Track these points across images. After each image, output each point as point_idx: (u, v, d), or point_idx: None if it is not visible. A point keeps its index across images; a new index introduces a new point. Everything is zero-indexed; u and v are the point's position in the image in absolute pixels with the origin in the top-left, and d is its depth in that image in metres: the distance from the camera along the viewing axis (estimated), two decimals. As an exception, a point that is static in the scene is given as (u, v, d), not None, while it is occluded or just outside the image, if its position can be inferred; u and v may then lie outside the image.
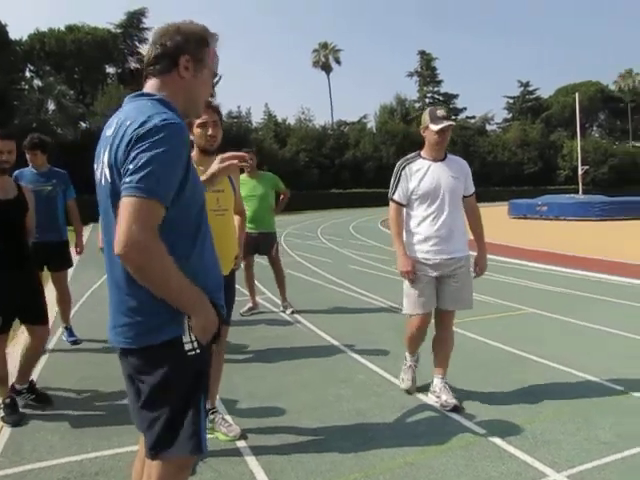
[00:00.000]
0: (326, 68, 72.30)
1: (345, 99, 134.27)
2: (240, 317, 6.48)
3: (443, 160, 3.76)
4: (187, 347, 1.72)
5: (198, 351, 1.74)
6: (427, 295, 3.71)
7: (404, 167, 3.75)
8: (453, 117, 72.78)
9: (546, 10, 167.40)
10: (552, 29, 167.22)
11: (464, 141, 60.27)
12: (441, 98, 76.11)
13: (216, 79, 1.91)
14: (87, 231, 21.34)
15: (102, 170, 1.72)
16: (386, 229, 22.08)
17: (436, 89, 77.76)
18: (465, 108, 78.18)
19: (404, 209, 3.79)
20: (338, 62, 72.88)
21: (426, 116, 3.71)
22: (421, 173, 3.69)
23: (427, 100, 75.45)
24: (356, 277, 9.54)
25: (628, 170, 66.02)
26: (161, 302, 1.66)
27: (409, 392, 3.92)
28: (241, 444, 3.23)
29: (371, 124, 65.25)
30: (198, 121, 3.08)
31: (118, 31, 49.66)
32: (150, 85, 1.82)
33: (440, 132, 3.63)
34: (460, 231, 3.77)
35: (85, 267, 9.91)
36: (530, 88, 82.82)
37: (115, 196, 1.63)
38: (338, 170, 53.59)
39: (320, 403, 3.84)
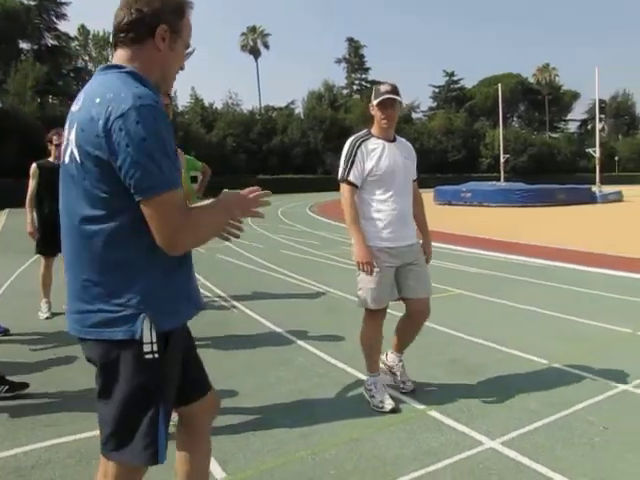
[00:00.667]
0: (254, 52, 71.48)
1: (273, 84, 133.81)
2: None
3: (394, 141, 3.55)
4: (146, 349, 1.58)
5: (157, 356, 1.59)
6: (386, 288, 3.46)
7: (359, 145, 3.43)
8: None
9: (474, 2, 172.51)
10: (476, 22, 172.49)
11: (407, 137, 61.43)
12: (369, 85, 76.98)
13: (189, 51, 1.75)
14: (2, 217, 20.24)
15: (69, 148, 1.59)
16: (314, 214, 22.23)
17: (364, 76, 78.77)
18: (391, 96, 79.61)
19: (356, 194, 3.48)
20: (266, 46, 72.31)
21: (372, 93, 3.55)
22: (378, 152, 3.42)
23: (355, 87, 76.30)
24: (288, 262, 9.58)
25: (546, 159, 69.68)
26: (127, 295, 1.56)
27: (396, 410, 3.41)
28: (185, 428, 3.20)
29: (299, 110, 65.21)
30: None
31: (32, 3, 46.82)
32: (120, 56, 1.64)
33: (381, 106, 3.41)
34: (411, 216, 3.63)
35: (2, 255, 9.41)
36: (455, 78, 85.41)
37: (84, 178, 1.52)
38: (266, 155, 53.35)
39: (262, 386, 3.86)
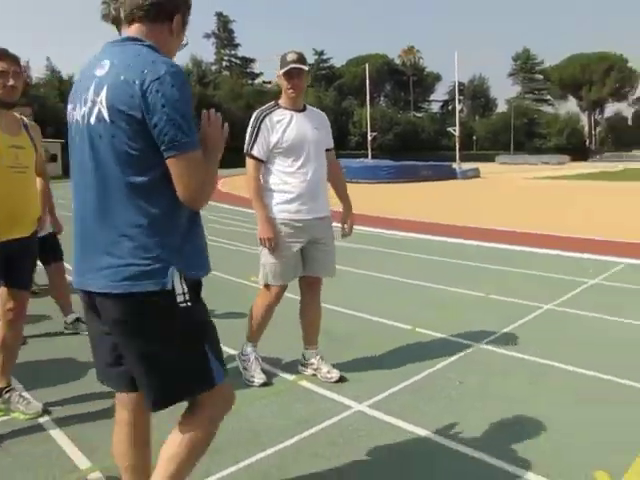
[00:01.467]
0: (117, 22, 67.38)
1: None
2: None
3: (303, 111, 3.41)
4: (179, 299, 1.67)
5: (189, 304, 1.69)
6: (291, 264, 3.36)
7: (263, 118, 3.30)
8: (250, 82, 73.35)
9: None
10: (344, 3, 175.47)
11: (260, 105, 60.84)
12: (238, 62, 76.03)
13: (184, 44, 1.90)
14: None
15: (96, 108, 1.64)
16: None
17: (233, 52, 77.50)
18: (262, 73, 79.22)
19: (262, 166, 3.37)
20: (129, 17, 68.41)
21: (279, 62, 3.38)
22: (284, 124, 3.30)
23: (224, 63, 74.82)
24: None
25: (410, 137, 73.24)
26: (157, 250, 1.64)
27: (267, 383, 3.41)
28: (44, 420, 2.99)
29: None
30: None
31: None
32: (136, 30, 1.76)
33: (288, 76, 3.28)
34: (324, 188, 3.47)
35: None
36: (324, 57, 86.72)
37: (114, 136, 1.61)
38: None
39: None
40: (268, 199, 3.35)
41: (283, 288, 3.45)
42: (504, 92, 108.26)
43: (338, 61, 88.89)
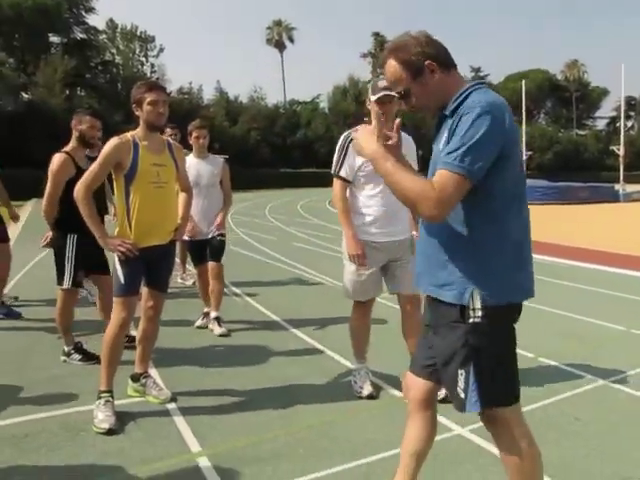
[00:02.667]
0: (280, 46, 71.61)
1: (298, 78, 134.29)
2: (180, 286, 6.57)
3: None
4: (470, 315, 1.85)
5: (477, 320, 1.85)
6: (372, 281, 3.50)
7: (351, 141, 3.37)
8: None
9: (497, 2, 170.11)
10: (503, 19, 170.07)
11: (415, 124, 61.01)
12: (393, 80, 76.60)
13: None
14: (29, 206, 20.75)
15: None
16: (333, 208, 22.34)
17: (389, 71, 78.21)
18: (416, 91, 78.97)
19: (348, 188, 3.51)
20: (292, 40, 72.28)
21: (369, 88, 3.49)
22: None
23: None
24: (298, 254, 9.73)
25: (571, 157, 68.59)
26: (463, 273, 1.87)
27: (374, 396, 3.50)
28: (171, 406, 3.37)
29: (324, 104, 65.25)
30: (149, 99, 3.20)
31: (61, -2, 47.51)
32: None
33: (380, 103, 3.32)
34: (404, 211, 3.50)
35: (22, 244, 9.73)
36: (481, 74, 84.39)
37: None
38: (289, 149, 53.55)
39: (250, 369, 4.03)
40: (353, 220, 3.47)
41: (368, 304, 3.60)
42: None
43: (495, 77, 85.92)
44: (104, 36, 52.24)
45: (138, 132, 3.30)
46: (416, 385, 2.22)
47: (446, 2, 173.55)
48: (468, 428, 3.09)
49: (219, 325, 4.99)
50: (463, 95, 1.88)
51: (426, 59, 1.89)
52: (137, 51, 53.20)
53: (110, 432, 3.00)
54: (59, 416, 3.24)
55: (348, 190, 3.53)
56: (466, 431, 3.07)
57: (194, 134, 5.08)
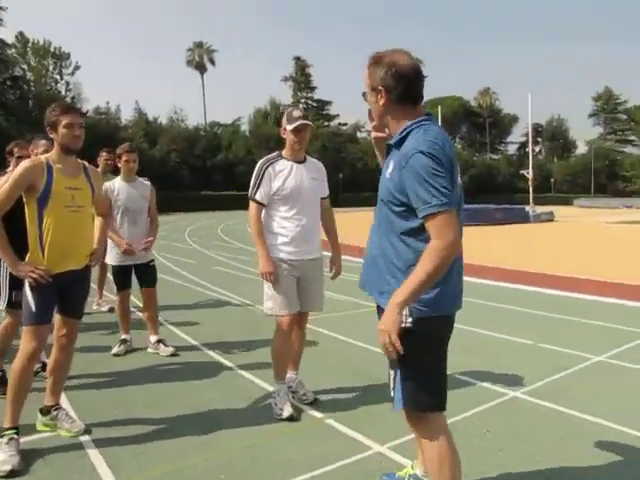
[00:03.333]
0: (200, 68, 71.30)
1: (219, 101, 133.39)
2: (100, 313, 6.34)
3: (303, 162, 3.77)
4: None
5: (408, 326, 2.07)
6: (291, 295, 3.67)
7: (267, 167, 3.67)
8: (326, 124, 75.06)
9: (413, 27, 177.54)
10: (419, 45, 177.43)
11: (336, 147, 62.20)
12: (315, 104, 78.02)
13: None
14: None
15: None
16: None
17: (310, 95, 79.64)
18: (338, 115, 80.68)
19: (263, 209, 3.73)
20: (212, 62, 72.26)
21: (284, 118, 3.73)
22: (285, 173, 3.65)
23: (301, 105, 76.85)
24: (218, 277, 9.65)
25: (486, 180, 72.09)
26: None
27: (294, 418, 3.55)
28: (84, 438, 3.23)
29: (245, 127, 65.32)
30: (64, 121, 3.12)
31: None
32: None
33: (295, 132, 3.61)
34: (317, 232, 3.84)
35: None
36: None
37: None
38: (210, 172, 53.06)
39: (169, 396, 3.93)
40: (268, 240, 3.67)
41: (292, 319, 3.69)
42: (584, 133, 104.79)
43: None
44: (13, 50, 49.88)
45: (52, 155, 3.21)
46: None
47: (371, 24, 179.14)
48: (387, 445, 3.16)
49: (166, 345, 5.01)
50: (405, 132, 2.12)
51: (381, 85, 2.14)
52: (51, 68, 51.20)
53: (12, 474, 2.80)
54: None
55: (264, 212, 3.72)
56: (385, 448, 3.13)
57: (124, 157, 5.04)
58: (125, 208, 4.97)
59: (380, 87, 2.14)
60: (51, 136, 3.18)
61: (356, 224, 22.91)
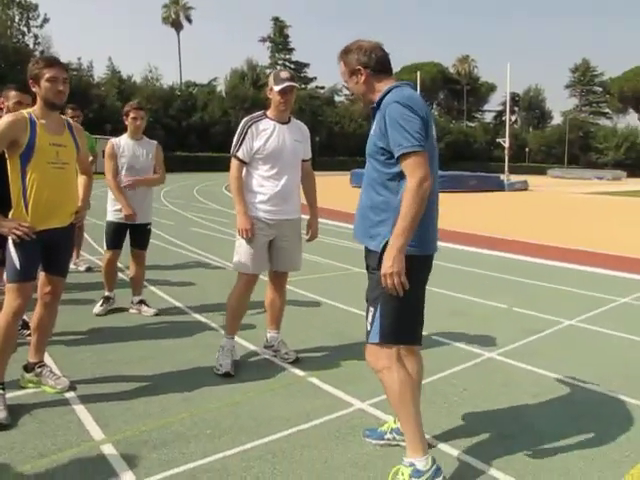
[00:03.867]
0: (176, 25, 69.35)
1: (195, 60, 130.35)
2: (77, 273, 6.29)
3: (287, 123, 3.79)
4: None
5: None
6: (260, 255, 3.74)
7: (250, 125, 3.68)
8: (303, 86, 74.09)
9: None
10: (402, 10, 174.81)
11: (313, 110, 61.53)
12: (292, 66, 76.78)
13: None
14: None
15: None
16: (229, 193, 22.15)
17: (288, 56, 78.39)
18: (315, 78, 79.81)
19: (244, 168, 3.75)
20: (189, 20, 70.37)
21: (271, 78, 3.73)
22: (267, 133, 3.67)
23: (279, 67, 75.58)
24: (196, 239, 9.62)
25: (462, 147, 72.32)
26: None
27: (230, 374, 3.63)
28: (70, 395, 3.26)
29: (221, 87, 64.11)
30: (48, 75, 3.04)
31: None
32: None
33: (282, 93, 3.64)
34: (297, 193, 3.86)
35: None
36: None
37: None
38: (185, 132, 52.20)
39: (153, 354, 3.97)
40: (247, 198, 3.72)
41: (254, 278, 3.80)
42: (560, 104, 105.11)
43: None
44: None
45: (35, 110, 3.12)
46: None
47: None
48: (368, 402, 3.26)
49: (148, 306, 5.06)
50: (383, 93, 2.42)
51: (359, 65, 2.48)
52: (17, 19, 49.12)
53: (0, 427, 2.84)
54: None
55: (245, 170, 3.76)
56: (366, 405, 3.23)
57: (131, 115, 4.94)
58: (129, 166, 4.90)
59: (358, 67, 2.49)
60: (34, 89, 3.09)
61: (332, 187, 22.99)
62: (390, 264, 2.24)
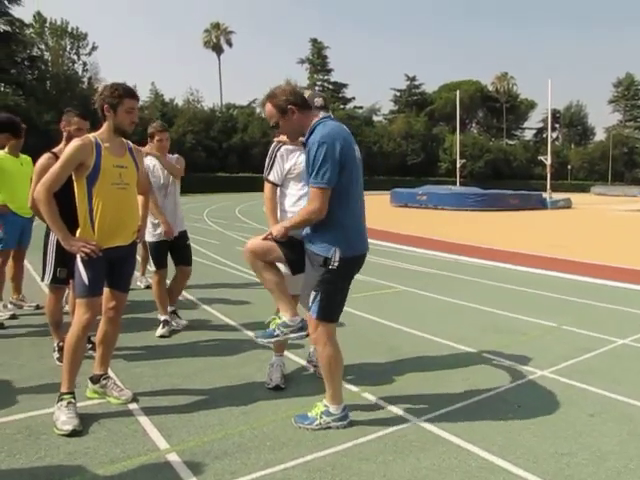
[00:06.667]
0: (217, 49, 71.01)
1: (235, 82, 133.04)
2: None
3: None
4: (330, 263, 3.01)
5: (334, 266, 3.01)
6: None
7: (279, 148, 3.77)
8: (342, 106, 74.70)
9: (432, 12, 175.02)
10: (435, 28, 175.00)
11: (351, 130, 61.64)
12: (331, 87, 77.54)
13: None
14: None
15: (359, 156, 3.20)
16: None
17: (326, 77, 79.15)
18: (354, 98, 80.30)
19: (278, 189, 3.83)
20: (229, 44, 71.85)
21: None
22: (297, 153, 3.72)
23: (317, 88, 76.39)
24: (241, 258, 9.74)
25: (502, 165, 71.40)
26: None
27: (280, 387, 3.75)
28: (133, 406, 3.39)
29: (260, 109, 65.03)
30: (127, 106, 3.27)
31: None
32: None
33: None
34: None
35: None
36: (416, 82, 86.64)
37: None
38: (225, 154, 53.15)
39: (207, 369, 4.08)
40: (280, 217, 3.77)
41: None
42: (603, 120, 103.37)
43: (430, 87, 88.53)
44: (31, 30, 49.90)
45: (101, 134, 3.31)
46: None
47: (374, 12, 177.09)
48: (423, 418, 3.29)
49: (179, 317, 5.38)
50: (311, 129, 3.04)
51: (289, 104, 3.01)
52: (68, 48, 51.19)
53: (74, 433, 2.99)
54: (15, 421, 3.19)
55: (279, 190, 3.83)
56: (422, 421, 3.25)
57: (157, 137, 5.15)
58: (163, 185, 5.12)
59: (288, 106, 3.02)
60: (107, 114, 3.27)
61: (373, 207, 23.02)
62: (278, 229, 3.14)
